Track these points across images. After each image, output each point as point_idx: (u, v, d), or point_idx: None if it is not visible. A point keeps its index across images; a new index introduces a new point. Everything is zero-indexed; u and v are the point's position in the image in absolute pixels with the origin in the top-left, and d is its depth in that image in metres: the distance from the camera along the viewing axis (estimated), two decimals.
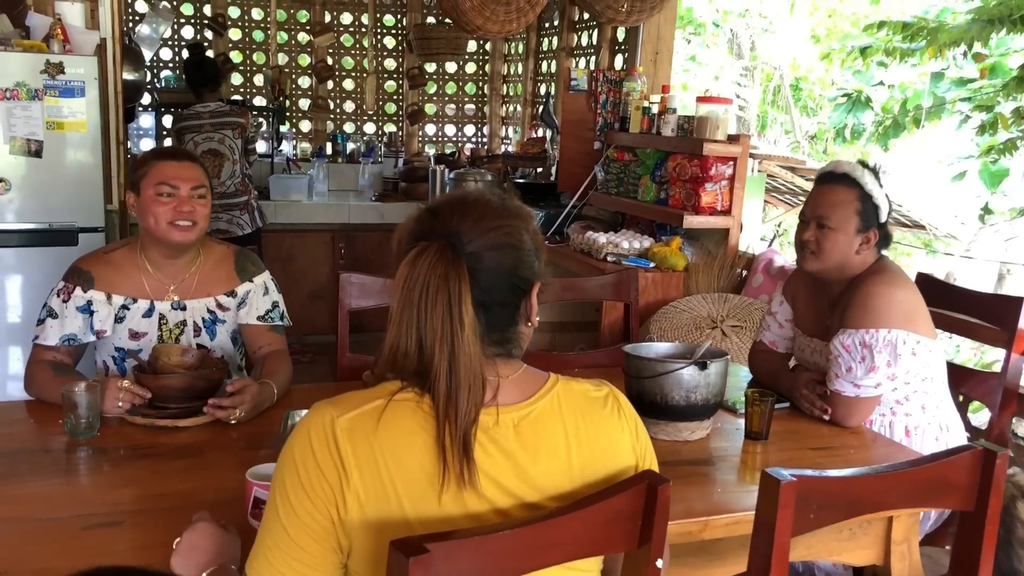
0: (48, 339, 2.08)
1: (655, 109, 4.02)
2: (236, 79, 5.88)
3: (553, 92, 5.46)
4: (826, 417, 2.13)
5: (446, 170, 5.49)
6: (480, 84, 6.52)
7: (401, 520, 1.09)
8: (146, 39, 5.37)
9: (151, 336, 2.16)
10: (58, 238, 3.50)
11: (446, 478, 1.10)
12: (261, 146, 5.61)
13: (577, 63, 5.21)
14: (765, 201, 6.08)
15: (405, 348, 1.13)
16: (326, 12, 5.99)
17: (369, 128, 6.31)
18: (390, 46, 6.25)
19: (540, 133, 5.70)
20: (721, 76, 11.38)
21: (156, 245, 2.13)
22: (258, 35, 5.93)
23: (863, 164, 2.20)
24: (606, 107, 4.50)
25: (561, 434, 1.19)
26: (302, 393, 2.17)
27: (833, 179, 2.18)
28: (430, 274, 1.11)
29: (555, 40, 5.50)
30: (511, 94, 6.37)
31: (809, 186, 5.20)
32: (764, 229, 6.63)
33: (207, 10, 5.74)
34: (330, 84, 6.09)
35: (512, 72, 6.36)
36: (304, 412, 1.91)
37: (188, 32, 5.76)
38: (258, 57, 5.94)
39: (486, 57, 6.45)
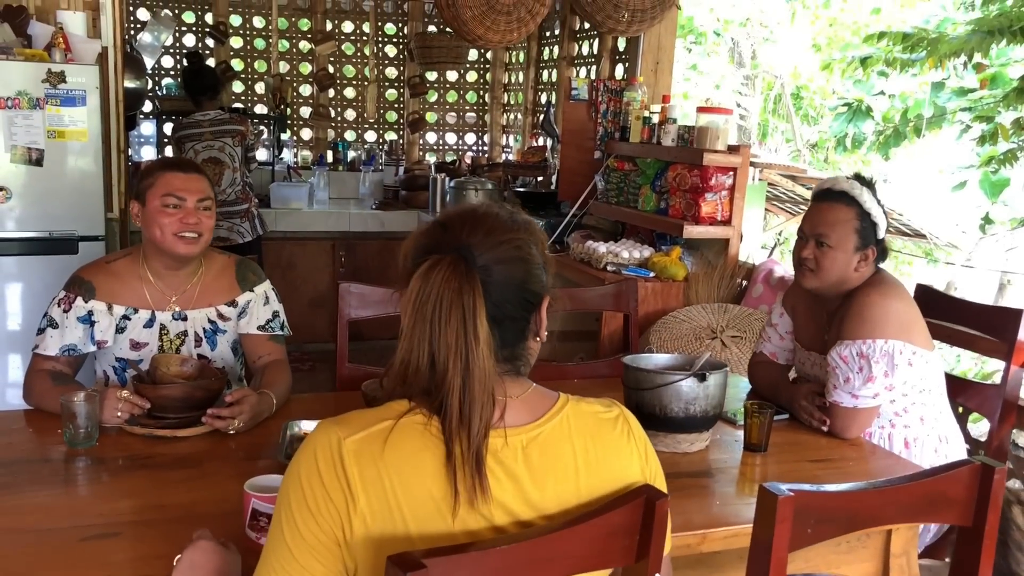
0: (48, 349, 2.08)
1: (655, 119, 4.03)
2: (237, 87, 5.90)
3: (554, 101, 5.47)
4: (825, 428, 2.13)
5: (447, 178, 5.50)
6: (481, 93, 6.53)
7: (406, 543, 1.08)
8: (148, 47, 5.39)
9: (152, 346, 2.16)
10: (58, 247, 3.51)
11: (457, 499, 1.09)
12: (262, 154, 5.63)
13: (578, 72, 5.22)
14: (766, 210, 6.08)
15: (417, 363, 1.11)
16: (328, 21, 6.01)
17: (370, 136, 6.32)
18: (391, 55, 6.27)
19: (541, 142, 5.71)
20: (722, 85, 11.40)
21: (160, 256, 2.13)
22: (259, 43, 5.95)
23: (859, 179, 2.20)
24: (606, 116, 4.51)
25: (570, 457, 1.17)
26: (301, 403, 2.17)
27: (831, 196, 2.18)
28: (443, 288, 1.09)
29: (556, 49, 5.52)
30: (512, 103, 6.38)
31: (810, 194, 5.21)
32: (765, 238, 6.63)
33: (209, 18, 5.76)
34: (331, 92, 6.11)
35: (513, 81, 6.37)
36: (304, 422, 1.92)
37: (190, 40, 5.77)
38: (259, 65, 5.96)
39: (487, 66, 6.47)
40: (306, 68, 6.06)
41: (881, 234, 2.17)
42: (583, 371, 2.68)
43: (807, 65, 11.12)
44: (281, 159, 5.83)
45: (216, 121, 4.59)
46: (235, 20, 5.84)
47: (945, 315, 2.57)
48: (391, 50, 6.26)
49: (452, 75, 6.41)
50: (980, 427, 2.73)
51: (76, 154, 3.51)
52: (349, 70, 6.20)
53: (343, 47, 6.13)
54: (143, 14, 5.55)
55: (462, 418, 1.09)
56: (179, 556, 1.29)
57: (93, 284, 2.12)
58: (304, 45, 6.03)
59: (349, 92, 6.21)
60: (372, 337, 5.26)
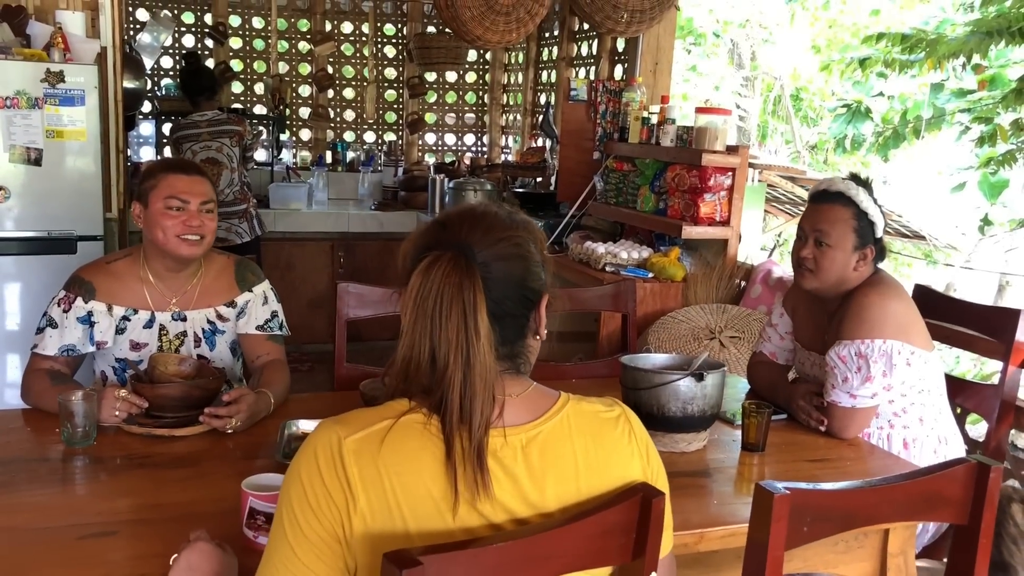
0: (47, 348, 2.08)
1: (654, 119, 4.03)
2: (237, 87, 5.90)
3: (553, 102, 5.47)
4: (822, 428, 2.13)
5: (446, 179, 5.50)
6: (480, 93, 6.53)
7: (406, 540, 1.08)
8: (147, 47, 5.40)
9: (151, 347, 2.16)
10: (57, 246, 3.51)
11: (457, 498, 1.09)
12: (261, 154, 5.63)
13: (577, 73, 5.22)
14: (765, 211, 6.09)
15: (418, 359, 1.11)
16: (327, 21, 6.01)
17: (369, 137, 6.32)
18: (390, 55, 6.27)
19: (540, 143, 5.71)
20: (721, 86, 11.41)
21: (161, 257, 2.13)
22: (259, 44, 5.95)
23: (856, 179, 2.20)
24: (605, 117, 4.51)
25: (570, 457, 1.17)
26: (300, 403, 2.17)
27: (828, 197, 2.19)
28: (444, 283, 1.09)
29: (555, 50, 5.52)
30: (511, 103, 6.39)
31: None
32: (764, 239, 6.63)
33: (208, 19, 5.76)
34: (330, 93, 6.11)
35: (512, 82, 6.38)
36: (302, 422, 1.92)
37: (189, 41, 5.78)
38: (259, 66, 5.96)
39: (486, 67, 6.48)
40: (305, 69, 6.07)
41: (879, 233, 2.18)
42: (581, 371, 2.68)
43: (806, 66, 11.13)
44: (280, 160, 5.83)
45: (214, 122, 4.59)
46: (234, 21, 5.84)
47: (944, 316, 2.57)
48: (390, 51, 6.27)
49: (451, 76, 6.42)
50: (980, 428, 2.73)
51: (75, 154, 3.51)
52: (348, 71, 6.21)
53: (342, 48, 6.13)
54: (142, 14, 5.55)
55: (463, 414, 1.09)
56: (175, 556, 1.29)
57: (93, 284, 2.12)
58: (303, 46, 6.03)
59: (348, 93, 6.21)
60: (371, 338, 5.26)
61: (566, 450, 1.17)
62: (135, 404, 1.89)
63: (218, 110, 4.77)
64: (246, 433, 1.94)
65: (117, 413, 1.88)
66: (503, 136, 6.51)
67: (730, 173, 3.71)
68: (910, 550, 1.79)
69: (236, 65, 5.86)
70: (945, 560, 2.15)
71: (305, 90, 6.09)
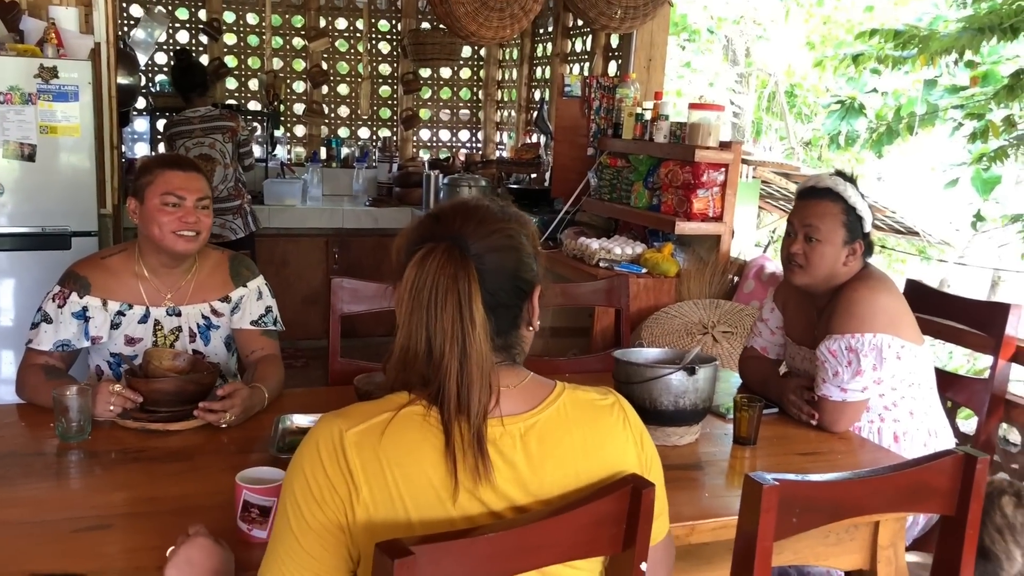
0: (42, 344, 2.09)
1: (648, 116, 4.04)
2: (231, 83, 5.90)
3: (547, 98, 5.48)
4: (813, 422, 2.14)
5: (440, 175, 5.50)
6: (475, 89, 6.54)
7: (407, 529, 1.10)
8: (141, 43, 5.39)
9: (146, 342, 2.16)
10: (51, 242, 3.51)
11: (457, 486, 1.10)
12: (256, 151, 5.62)
13: (571, 69, 5.23)
14: (759, 207, 6.10)
15: (415, 350, 1.13)
16: (321, 17, 6.01)
17: (363, 133, 6.32)
18: (385, 51, 6.27)
19: (534, 139, 5.72)
20: (716, 83, 11.41)
21: (157, 253, 2.14)
22: (253, 40, 5.95)
23: (841, 175, 2.22)
24: (599, 113, 4.52)
25: (568, 445, 1.19)
26: (294, 398, 2.17)
27: (816, 193, 2.20)
28: (439, 274, 1.11)
29: (549, 46, 5.53)
30: (505, 99, 6.39)
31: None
32: (758, 235, 6.64)
33: (202, 14, 5.76)
34: (325, 89, 6.11)
35: (506, 78, 6.38)
36: (296, 416, 1.93)
37: (183, 37, 5.77)
38: (253, 62, 5.96)
39: (480, 63, 6.48)
40: (300, 65, 6.06)
41: (867, 228, 2.19)
42: (575, 366, 2.69)
43: (801, 63, 11.14)
44: (275, 156, 5.83)
45: (206, 118, 4.59)
46: (229, 17, 5.84)
47: (934, 310, 2.58)
48: (385, 47, 6.27)
49: (446, 72, 6.42)
50: (970, 423, 2.75)
51: (69, 150, 3.51)
52: (343, 67, 6.21)
53: (337, 44, 6.13)
54: (136, 10, 5.54)
55: (460, 402, 1.11)
56: (172, 548, 1.30)
57: (88, 280, 2.12)
58: (298, 42, 6.03)
59: (343, 89, 6.21)
60: (365, 334, 5.27)
61: (564, 438, 1.19)
62: (130, 399, 1.89)
63: (211, 106, 4.77)
64: (240, 427, 1.94)
65: (112, 408, 1.88)
66: (497, 132, 6.52)
67: (723, 169, 3.72)
68: (900, 542, 1.81)
69: (230, 61, 5.86)
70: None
71: (299, 86, 6.08)
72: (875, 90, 9.16)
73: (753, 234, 5.79)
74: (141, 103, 5.52)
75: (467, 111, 6.56)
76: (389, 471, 1.10)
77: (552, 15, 5.38)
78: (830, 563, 1.82)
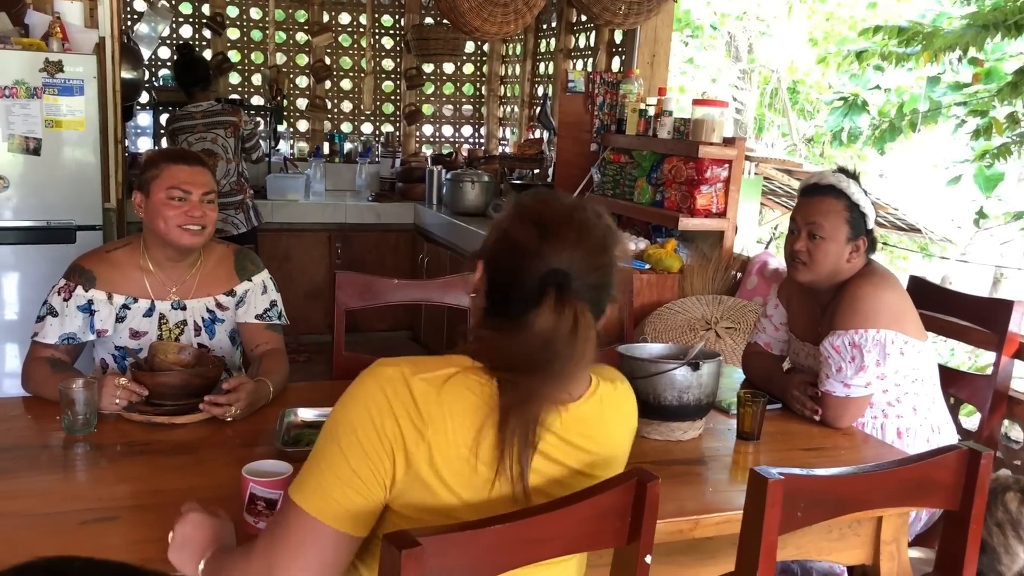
0: (47, 337, 2.09)
1: (651, 111, 4.04)
2: (234, 78, 5.90)
3: (551, 94, 5.48)
4: (817, 418, 2.15)
5: (443, 171, 5.51)
6: (478, 85, 6.53)
7: (441, 488, 1.14)
8: (144, 38, 5.39)
9: (151, 335, 2.17)
10: (56, 236, 3.51)
11: (503, 459, 1.14)
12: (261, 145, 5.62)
13: (574, 65, 5.23)
14: (761, 204, 6.09)
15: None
16: (324, 12, 6.01)
17: (366, 128, 6.32)
18: (388, 46, 6.27)
19: (537, 134, 5.71)
20: (718, 79, 11.40)
21: (162, 247, 2.14)
22: (256, 34, 5.95)
23: (844, 172, 2.22)
24: (603, 109, 4.52)
25: (605, 430, 1.27)
26: (298, 392, 2.18)
27: (820, 190, 2.20)
28: (564, 328, 1.16)
29: (553, 42, 5.52)
30: (508, 95, 6.39)
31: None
32: (761, 231, 6.64)
33: (206, 9, 5.75)
34: (328, 84, 6.11)
35: (509, 73, 6.38)
36: (300, 410, 1.94)
37: (186, 31, 5.77)
38: (256, 56, 5.95)
39: (484, 58, 6.47)
40: (303, 59, 6.06)
41: (870, 224, 2.20)
42: None
43: (803, 59, 11.13)
44: (277, 151, 5.84)
45: (209, 112, 4.59)
46: (232, 11, 5.83)
47: (938, 306, 2.59)
48: (388, 42, 6.26)
49: (449, 67, 6.42)
50: (973, 420, 2.76)
51: (73, 144, 3.51)
52: (346, 62, 6.20)
53: (340, 39, 6.13)
54: (140, 5, 5.53)
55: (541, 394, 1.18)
56: (172, 532, 1.31)
57: (94, 273, 2.13)
58: (301, 36, 6.03)
59: (346, 84, 6.21)
60: (367, 328, 5.29)
61: (603, 424, 1.26)
62: (135, 392, 1.90)
63: (214, 101, 4.77)
64: (245, 421, 1.95)
65: (117, 401, 1.89)
66: (500, 128, 6.52)
67: (727, 165, 3.72)
68: (903, 538, 1.81)
69: (234, 56, 5.85)
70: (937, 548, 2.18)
71: (302, 81, 6.08)
72: (878, 87, 9.15)
73: (755, 230, 5.79)
74: (144, 97, 5.52)
75: (470, 106, 6.56)
76: (450, 419, 1.14)
77: (556, 10, 5.38)
78: (833, 558, 1.82)
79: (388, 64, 6.30)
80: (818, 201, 2.20)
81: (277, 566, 1.14)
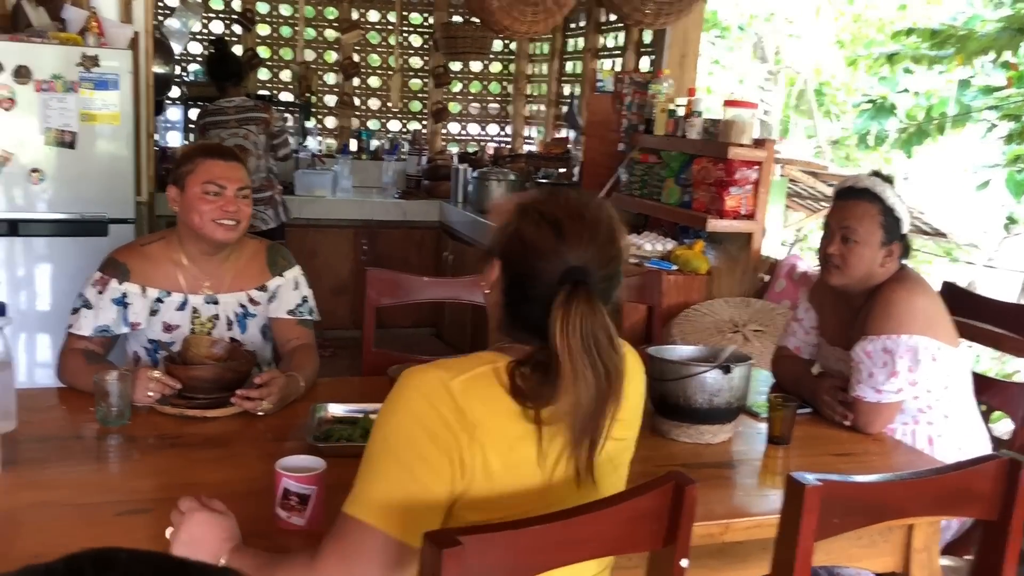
0: (82, 329, 2.11)
1: (681, 112, 4.02)
2: (263, 74, 5.94)
3: (577, 93, 5.47)
4: (847, 423, 2.13)
5: (469, 168, 5.51)
6: (504, 84, 6.54)
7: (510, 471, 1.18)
8: (175, 33, 5.43)
9: (184, 329, 2.18)
10: (89, 228, 3.55)
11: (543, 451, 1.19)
12: (290, 142, 5.65)
13: (602, 65, 5.22)
14: (786, 206, 6.05)
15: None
16: (353, 9, 6.03)
17: (393, 125, 6.34)
18: (416, 44, 6.28)
19: (563, 134, 5.71)
20: (745, 80, 11.34)
21: (196, 241, 2.16)
22: (286, 31, 5.98)
23: (879, 175, 2.20)
24: (631, 109, 4.51)
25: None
26: (327, 387, 2.19)
27: (855, 194, 2.19)
28: (584, 321, 1.19)
29: (581, 41, 5.51)
30: (535, 94, 6.39)
31: (831, 192, 5.17)
32: (784, 234, 6.59)
33: (236, 4, 5.79)
34: (356, 81, 6.13)
35: (536, 72, 6.38)
36: (331, 405, 1.94)
37: (217, 26, 5.81)
38: (285, 53, 5.99)
39: (511, 57, 6.47)
40: (331, 56, 6.09)
41: (905, 229, 2.18)
42: None
43: (830, 61, 11.04)
44: (306, 147, 5.86)
45: (241, 108, 4.62)
46: (262, 8, 5.87)
47: (970, 313, 2.56)
48: (416, 40, 6.28)
49: (476, 65, 6.42)
50: (1002, 426, 2.72)
51: (107, 137, 3.54)
52: (374, 59, 6.22)
53: (368, 36, 6.15)
54: (172, 0, 5.58)
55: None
56: (170, 529, 1.30)
57: (128, 267, 2.15)
58: (330, 33, 6.05)
59: (374, 81, 6.23)
60: (391, 324, 5.30)
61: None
62: (168, 385, 1.92)
63: (245, 96, 4.80)
64: (276, 415, 1.96)
65: (151, 394, 1.91)
66: (526, 127, 6.51)
67: (756, 167, 3.70)
68: (934, 546, 1.80)
69: (263, 52, 5.89)
70: (967, 558, 2.16)
71: (331, 78, 6.11)
72: (907, 90, 9.06)
73: (779, 232, 5.75)
74: (174, 92, 5.57)
75: (496, 105, 6.56)
76: (496, 416, 1.17)
77: (584, 10, 5.37)
78: (863, 565, 1.81)
79: (416, 62, 6.31)
80: (852, 204, 2.18)
81: None
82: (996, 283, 8.28)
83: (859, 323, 2.19)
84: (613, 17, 4.93)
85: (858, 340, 2.14)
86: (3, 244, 3.50)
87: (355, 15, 6.04)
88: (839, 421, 2.15)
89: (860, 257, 2.15)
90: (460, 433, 1.15)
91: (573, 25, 5.69)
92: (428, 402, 1.16)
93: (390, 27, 6.15)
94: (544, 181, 5.30)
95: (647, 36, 4.74)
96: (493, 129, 6.59)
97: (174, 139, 5.67)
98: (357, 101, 6.18)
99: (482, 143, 6.51)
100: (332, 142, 6.13)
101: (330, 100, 6.13)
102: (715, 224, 3.68)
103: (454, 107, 6.43)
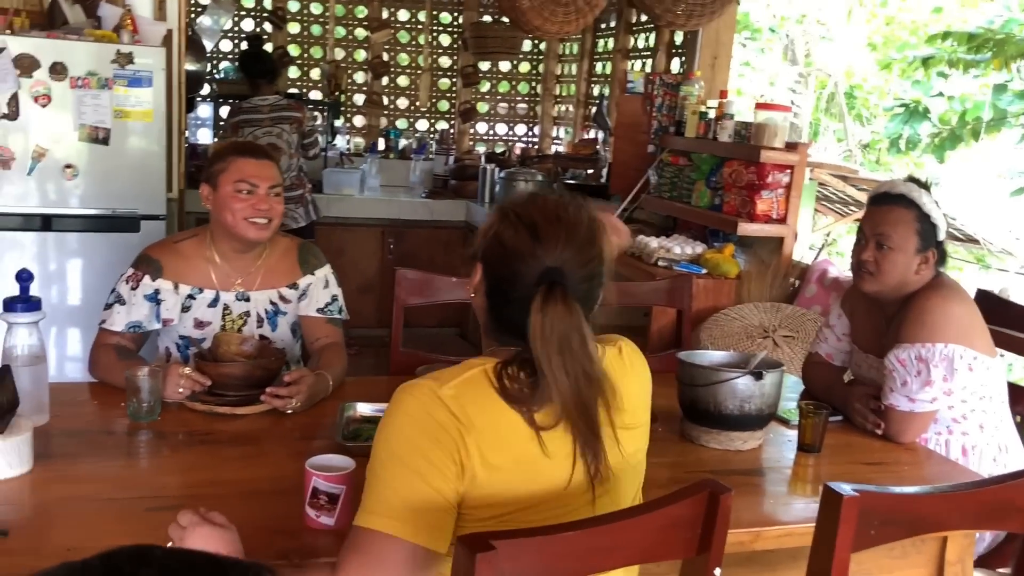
0: (114, 324, 2.13)
1: (712, 114, 3.99)
2: (293, 73, 5.97)
3: (607, 94, 5.45)
4: (879, 432, 2.10)
5: (496, 169, 5.51)
6: (533, 84, 6.53)
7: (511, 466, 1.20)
8: (207, 30, 5.47)
9: (215, 326, 2.19)
10: (121, 224, 3.57)
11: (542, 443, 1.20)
12: (319, 140, 5.68)
13: (632, 66, 5.19)
14: (815, 210, 6.00)
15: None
16: (383, 8, 6.05)
17: (422, 125, 6.35)
18: (445, 44, 6.29)
19: (591, 134, 5.69)
20: (776, 82, 11.26)
21: (228, 239, 2.17)
22: (316, 29, 6.01)
23: (915, 181, 2.17)
24: (662, 110, 4.48)
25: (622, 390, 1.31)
26: (357, 386, 2.19)
27: (890, 199, 2.15)
28: (559, 323, 1.21)
29: (611, 42, 5.49)
30: (563, 94, 6.37)
31: (861, 196, 5.12)
32: (813, 238, 6.53)
33: (267, 3, 5.83)
34: (385, 80, 6.15)
35: (565, 73, 6.36)
36: (360, 404, 1.94)
37: (248, 24, 5.85)
38: (315, 51, 6.02)
39: (540, 57, 6.46)
40: (361, 55, 6.11)
41: (941, 236, 2.14)
42: None
43: (861, 64, 10.93)
44: (334, 145, 5.89)
45: (275, 107, 4.64)
46: (293, 6, 5.90)
47: (1003, 321, 2.52)
48: (445, 39, 6.28)
49: (505, 65, 6.42)
50: None
51: (140, 134, 3.57)
52: (403, 58, 6.24)
53: (398, 35, 6.16)
54: None
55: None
56: (171, 544, 1.26)
57: (161, 263, 2.16)
58: (360, 32, 6.07)
59: (402, 80, 6.24)
60: (417, 324, 5.29)
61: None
62: (198, 382, 1.93)
63: (277, 95, 4.82)
64: (305, 414, 1.97)
65: (181, 390, 1.92)
66: (554, 127, 6.50)
67: (788, 170, 3.66)
68: (968, 559, 1.77)
69: (293, 50, 5.92)
70: (1001, 571, 2.12)
71: (360, 77, 6.13)
72: (940, 94, 8.96)
73: (808, 237, 5.70)
74: (205, 89, 5.61)
75: (524, 105, 6.56)
76: (490, 417, 1.19)
77: (615, 11, 5.35)
78: None
79: (445, 61, 6.32)
80: (887, 210, 2.15)
81: None
82: None
83: (893, 330, 2.15)
84: (644, 18, 4.91)
85: (892, 348, 2.11)
86: (36, 239, 3.54)
87: (385, 14, 6.06)
88: (871, 430, 2.12)
89: (894, 264, 2.12)
90: (457, 435, 1.17)
91: (603, 26, 5.67)
92: (424, 410, 1.19)
93: (420, 26, 6.16)
94: (572, 182, 5.28)
95: (678, 37, 4.72)
96: (521, 129, 6.58)
97: (204, 136, 5.72)
98: (386, 100, 6.20)
99: (510, 143, 6.51)
100: (360, 141, 6.15)
101: (359, 99, 6.15)
102: (746, 228, 3.65)
103: (482, 107, 6.43)
